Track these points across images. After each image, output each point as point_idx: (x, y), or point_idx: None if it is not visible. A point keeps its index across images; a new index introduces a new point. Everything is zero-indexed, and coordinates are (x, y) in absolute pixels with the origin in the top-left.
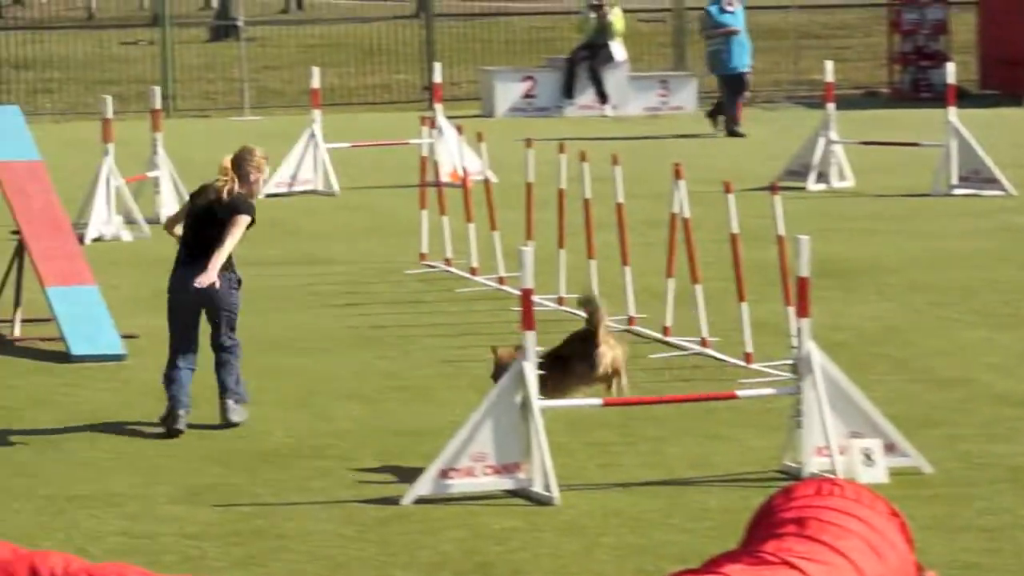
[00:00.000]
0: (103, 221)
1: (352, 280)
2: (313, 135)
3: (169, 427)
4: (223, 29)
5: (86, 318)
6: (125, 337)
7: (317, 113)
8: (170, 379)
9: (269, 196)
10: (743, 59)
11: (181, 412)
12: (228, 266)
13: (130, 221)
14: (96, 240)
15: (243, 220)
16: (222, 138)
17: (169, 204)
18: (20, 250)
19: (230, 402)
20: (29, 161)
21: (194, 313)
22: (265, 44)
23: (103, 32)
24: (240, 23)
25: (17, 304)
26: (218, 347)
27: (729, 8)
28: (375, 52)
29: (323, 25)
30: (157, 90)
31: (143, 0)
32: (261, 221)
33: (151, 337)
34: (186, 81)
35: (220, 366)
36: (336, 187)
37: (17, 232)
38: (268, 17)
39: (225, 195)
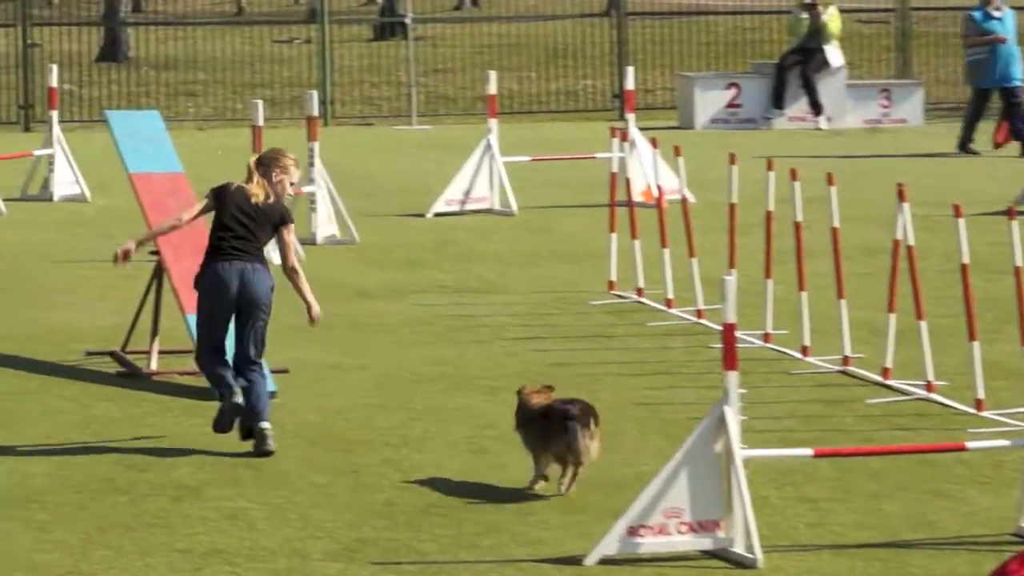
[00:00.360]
0: None
1: (531, 311)
2: (489, 147)
3: (233, 417)
4: (388, 27)
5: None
6: (275, 372)
7: (493, 123)
8: (215, 363)
9: (439, 215)
10: (1013, 71)
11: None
12: (266, 267)
13: None
14: None
15: (292, 229)
16: (386, 149)
17: (325, 224)
18: (158, 273)
19: (267, 427)
20: (170, 173)
21: (231, 313)
22: (436, 44)
23: (254, 29)
24: (408, 20)
25: (154, 334)
26: (248, 361)
27: (996, 13)
28: (559, 54)
29: (501, 23)
30: (314, 94)
31: None
32: (429, 243)
33: (305, 372)
34: (346, 85)
35: (252, 385)
36: (514, 206)
37: (156, 253)
38: (439, 14)
39: (262, 200)
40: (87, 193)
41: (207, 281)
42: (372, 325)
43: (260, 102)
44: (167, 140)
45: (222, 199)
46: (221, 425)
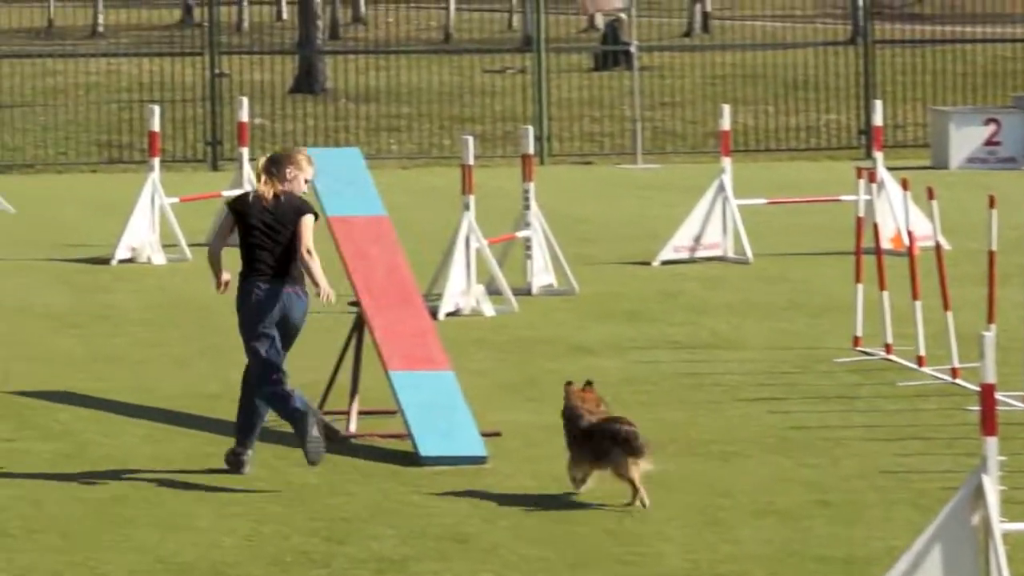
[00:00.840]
0: (461, 291)
1: (768, 369)
2: (721, 188)
3: (326, 441)
4: (611, 56)
5: (439, 411)
6: (486, 435)
7: (727, 161)
8: (284, 395)
9: (666, 263)
10: None
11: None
12: (301, 279)
13: (493, 292)
14: (452, 315)
15: (310, 220)
16: (608, 190)
17: (541, 273)
18: (359, 325)
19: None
20: (372, 216)
21: (274, 328)
22: (663, 74)
23: (463, 58)
24: (632, 48)
25: (354, 392)
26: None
27: None
28: (800, 86)
29: (735, 51)
30: (529, 130)
31: (511, 19)
32: (655, 293)
33: (517, 435)
34: (564, 119)
35: (257, 407)
36: (749, 253)
37: (356, 303)
38: (667, 41)
39: (271, 198)
40: None
41: (251, 302)
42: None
43: (470, 138)
44: (369, 180)
45: (241, 212)
46: (314, 452)
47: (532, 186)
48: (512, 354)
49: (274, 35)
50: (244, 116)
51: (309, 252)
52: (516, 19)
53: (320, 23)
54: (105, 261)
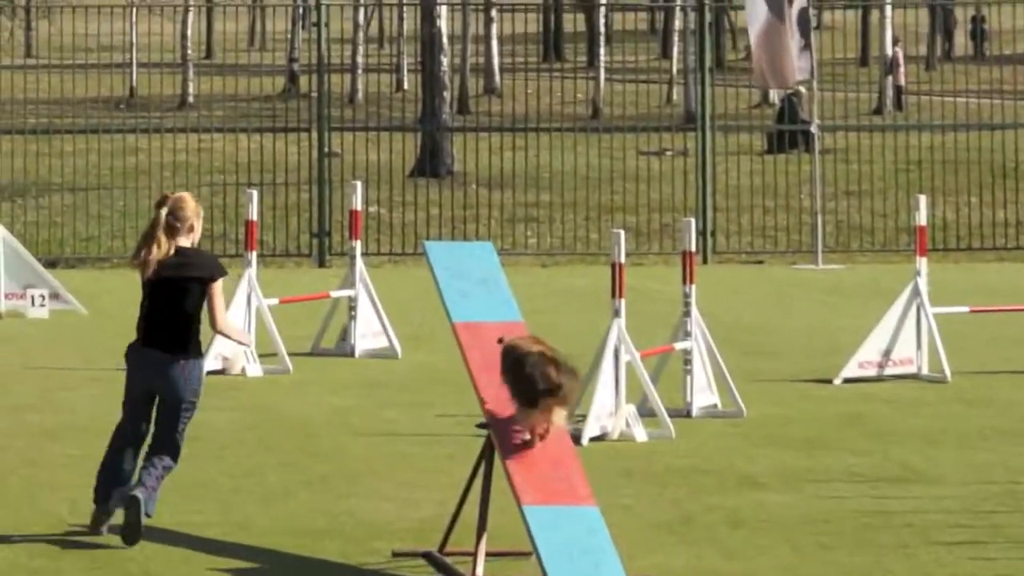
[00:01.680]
0: (608, 413)
1: (968, 507)
2: (917, 294)
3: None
4: (787, 136)
5: (581, 553)
6: None
7: (922, 262)
8: (112, 470)
9: (849, 381)
10: None
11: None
12: (197, 350)
13: (646, 414)
14: (597, 439)
15: (221, 286)
16: (782, 294)
17: (704, 391)
18: (488, 451)
19: (139, 491)
20: (506, 323)
21: (149, 400)
22: (848, 158)
23: (613, 137)
24: (813, 128)
25: (481, 530)
26: (167, 444)
27: None
28: (1008, 174)
29: (933, 132)
30: (691, 223)
31: (671, 91)
32: (836, 417)
33: None
34: (732, 210)
35: (151, 467)
36: (947, 370)
37: (484, 425)
38: (853, 120)
39: (171, 254)
40: (397, 347)
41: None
42: (760, 522)
43: (621, 232)
44: (502, 279)
45: (141, 277)
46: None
47: (693, 289)
48: (667, 487)
49: (393, 108)
50: (357, 203)
51: (221, 321)
52: (677, 91)
53: (447, 94)
54: None
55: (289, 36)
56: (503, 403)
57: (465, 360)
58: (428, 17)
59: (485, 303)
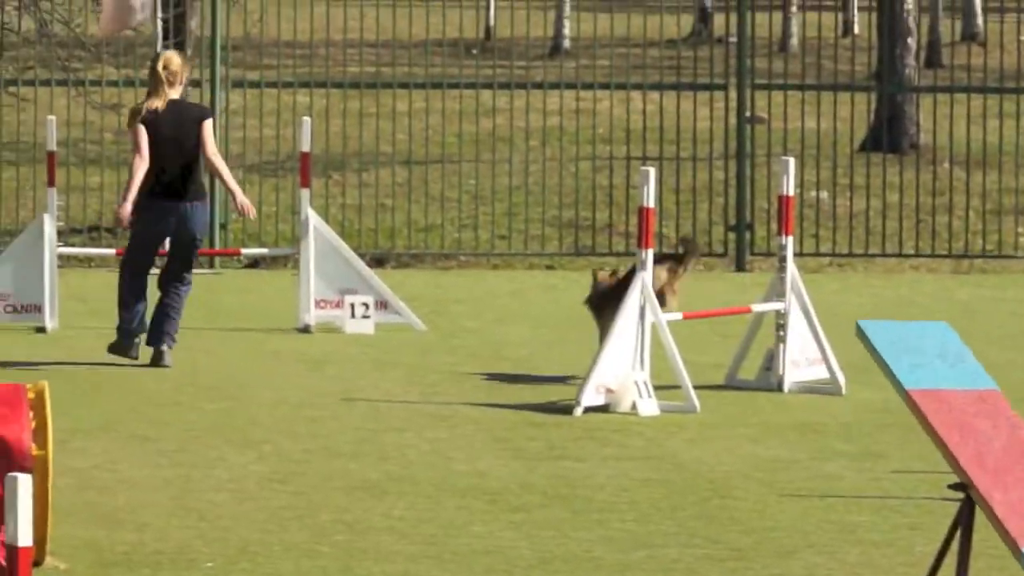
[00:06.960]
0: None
1: None
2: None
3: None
4: None
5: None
6: None
7: None
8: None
9: None
10: None
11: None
12: (202, 193)
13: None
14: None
15: (210, 124)
16: None
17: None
18: (966, 517)
19: (165, 348)
20: (977, 390)
21: (159, 244)
22: None
23: None
24: None
25: None
26: (178, 282)
27: None
28: None
29: None
30: None
31: None
32: None
33: None
34: None
35: (168, 307)
36: None
37: (961, 486)
38: None
39: (163, 105)
40: (841, 380)
41: (147, 219)
42: None
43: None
44: (968, 353)
45: (144, 128)
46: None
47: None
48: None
49: (839, 60)
50: (789, 187)
51: (218, 164)
52: None
53: (911, 42)
54: (566, 410)
55: None
56: (983, 461)
57: (929, 427)
58: None
59: (945, 374)
